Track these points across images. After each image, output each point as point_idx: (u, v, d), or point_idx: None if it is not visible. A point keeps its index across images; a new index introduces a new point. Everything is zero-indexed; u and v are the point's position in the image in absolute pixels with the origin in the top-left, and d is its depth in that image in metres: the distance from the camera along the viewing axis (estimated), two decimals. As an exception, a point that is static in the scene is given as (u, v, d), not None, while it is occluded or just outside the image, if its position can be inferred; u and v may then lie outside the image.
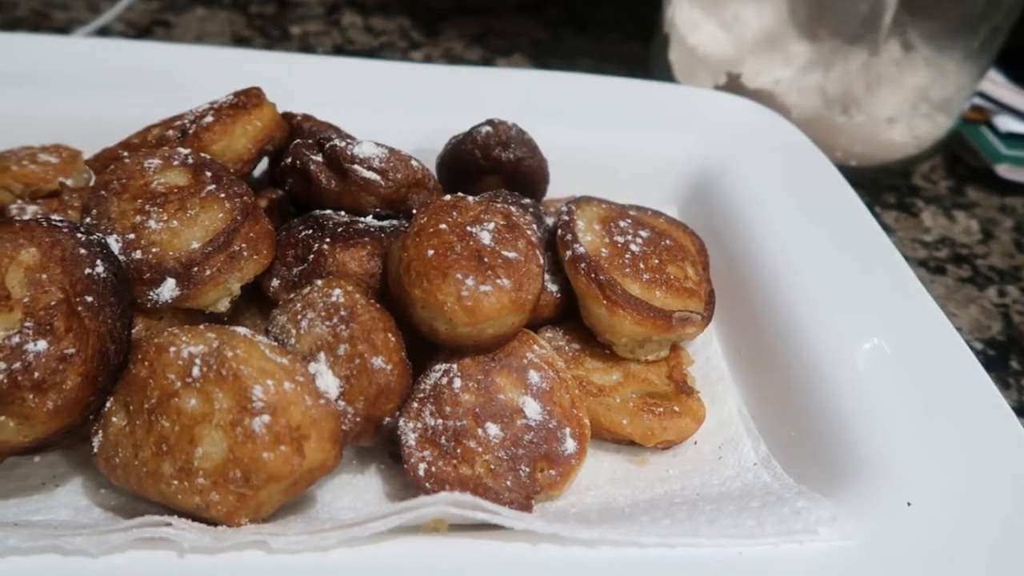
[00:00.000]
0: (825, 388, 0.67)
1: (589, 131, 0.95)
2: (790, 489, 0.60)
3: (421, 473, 0.59)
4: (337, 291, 0.60)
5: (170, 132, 0.75)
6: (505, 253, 0.63)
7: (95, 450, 0.55)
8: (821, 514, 0.54)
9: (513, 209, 0.68)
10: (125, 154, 0.75)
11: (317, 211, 0.73)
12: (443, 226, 0.64)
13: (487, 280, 0.60)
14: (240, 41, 1.32)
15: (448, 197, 0.68)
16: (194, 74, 0.96)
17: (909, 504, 0.56)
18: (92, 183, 0.80)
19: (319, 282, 0.62)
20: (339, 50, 1.34)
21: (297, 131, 0.81)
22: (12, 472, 0.60)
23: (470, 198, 0.68)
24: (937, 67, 1.18)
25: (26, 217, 0.73)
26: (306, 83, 0.94)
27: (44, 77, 0.94)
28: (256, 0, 1.44)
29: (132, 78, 0.95)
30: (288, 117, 0.82)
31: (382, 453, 0.65)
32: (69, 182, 0.78)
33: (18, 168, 0.75)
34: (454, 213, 0.66)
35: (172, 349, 0.55)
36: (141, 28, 1.32)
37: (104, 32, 1.28)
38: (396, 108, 0.95)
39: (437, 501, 0.52)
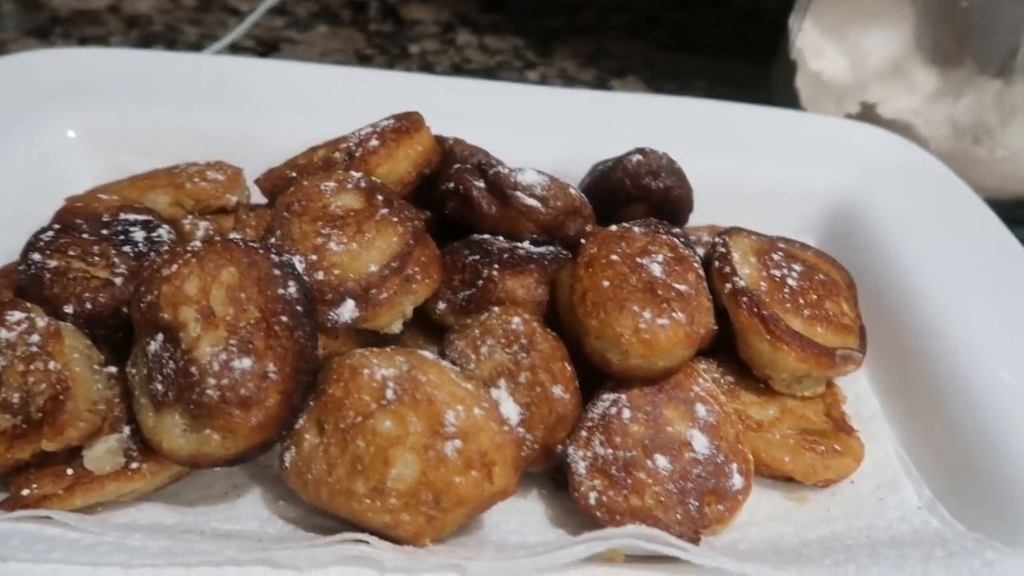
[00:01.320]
0: (991, 427, 0.66)
1: (724, 159, 0.94)
2: (967, 538, 0.59)
3: (592, 502, 0.60)
4: (516, 319, 0.61)
5: (336, 154, 0.77)
6: (677, 286, 0.64)
7: (286, 465, 0.58)
8: (1015, 566, 0.53)
9: (678, 241, 0.69)
10: (293, 174, 0.78)
11: (478, 236, 0.74)
12: (615, 257, 0.65)
13: (663, 313, 0.61)
14: (362, 59, 1.36)
15: (614, 228, 0.69)
16: (319, 93, 0.99)
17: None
18: (251, 200, 0.84)
19: (496, 309, 0.63)
20: (457, 69, 1.36)
21: (449, 155, 0.83)
22: (195, 481, 0.63)
23: (636, 228, 0.69)
24: (1075, 98, 1.15)
25: (199, 232, 0.76)
26: (448, 105, 0.96)
27: (190, 93, 0.98)
28: (375, 18, 1.47)
29: (271, 95, 0.98)
30: (440, 140, 0.83)
31: (543, 478, 0.66)
32: (234, 199, 0.81)
33: (191, 185, 0.79)
34: (623, 244, 0.66)
35: (366, 371, 0.57)
36: (268, 44, 1.36)
37: (234, 48, 1.33)
38: (530, 132, 0.96)
39: (624, 533, 0.53)
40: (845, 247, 0.88)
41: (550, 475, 0.65)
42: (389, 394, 0.55)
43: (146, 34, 1.35)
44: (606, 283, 0.62)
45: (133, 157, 0.90)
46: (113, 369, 0.62)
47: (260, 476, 0.63)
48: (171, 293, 0.58)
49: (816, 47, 1.23)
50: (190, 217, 0.78)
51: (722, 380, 0.71)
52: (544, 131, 0.97)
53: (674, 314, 0.61)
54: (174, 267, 0.59)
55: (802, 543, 0.60)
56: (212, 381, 0.54)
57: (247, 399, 0.54)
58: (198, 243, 0.60)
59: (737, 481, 0.62)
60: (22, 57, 0.95)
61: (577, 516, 0.63)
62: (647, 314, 0.61)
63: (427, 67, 1.36)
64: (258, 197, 0.83)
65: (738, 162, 0.95)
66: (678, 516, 0.60)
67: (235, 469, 0.64)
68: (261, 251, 0.61)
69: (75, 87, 0.91)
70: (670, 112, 1.00)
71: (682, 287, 0.64)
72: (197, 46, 1.33)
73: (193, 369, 0.55)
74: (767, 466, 0.66)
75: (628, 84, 1.38)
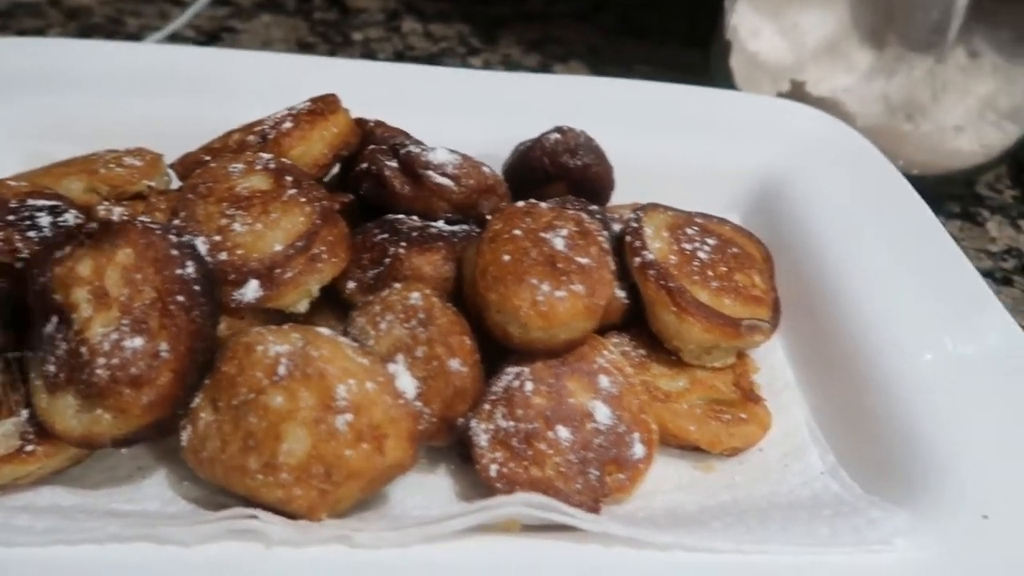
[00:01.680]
0: (894, 397, 0.67)
1: (651, 138, 0.95)
2: (861, 499, 0.60)
3: (493, 474, 0.60)
4: (415, 294, 0.62)
5: (251, 137, 0.77)
6: (578, 259, 0.64)
7: (183, 444, 0.58)
8: (897, 524, 0.54)
9: (584, 216, 0.69)
10: (208, 158, 0.78)
11: (390, 215, 0.75)
12: (517, 232, 0.65)
13: (561, 286, 0.62)
14: (304, 47, 1.35)
15: (521, 203, 0.69)
16: (265, 80, 0.99)
17: (985, 517, 0.56)
18: (173, 185, 0.83)
19: (397, 285, 0.64)
20: (400, 56, 1.36)
21: (370, 137, 0.83)
22: (100, 463, 0.62)
23: (543, 204, 0.69)
24: (1004, 75, 1.16)
25: (113, 218, 0.76)
26: (374, 89, 0.95)
27: (122, 82, 0.97)
28: (319, 6, 1.47)
29: (206, 83, 0.98)
30: (361, 123, 0.83)
31: (451, 453, 0.66)
32: (153, 184, 0.81)
33: (105, 171, 0.78)
34: (528, 219, 0.67)
35: (259, 348, 0.57)
36: (210, 34, 1.36)
37: (175, 38, 1.32)
38: (461, 114, 0.96)
39: (514, 502, 0.54)
40: (768, 223, 0.89)
41: (458, 450, 0.66)
42: (281, 370, 0.56)
43: (86, 26, 1.34)
44: (506, 257, 0.63)
45: (57, 145, 0.89)
46: (18, 354, 0.62)
47: (167, 457, 0.63)
48: (64, 275, 0.58)
49: (752, 27, 1.23)
50: (105, 203, 0.78)
51: (633, 353, 0.72)
52: (473, 113, 0.97)
53: (573, 286, 0.62)
54: (67, 248, 0.59)
55: (701, 510, 0.61)
56: (102, 361, 0.54)
57: (137, 378, 0.54)
58: (94, 225, 0.60)
59: (639, 450, 0.63)
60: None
61: (483, 490, 0.63)
62: (545, 287, 0.61)
63: (370, 54, 1.35)
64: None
65: (666, 141, 0.95)
66: (578, 486, 0.60)
67: (142, 451, 0.64)
68: (159, 232, 0.61)
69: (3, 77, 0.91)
70: (600, 93, 1.01)
71: (584, 260, 0.64)
72: (138, 37, 1.32)
73: (84, 350, 0.55)
74: (674, 436, 0.67)
75: (571, 69, 1.38)
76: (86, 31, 1.32)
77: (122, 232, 0.60)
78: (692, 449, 0.68)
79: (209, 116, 0.92)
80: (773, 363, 0.77)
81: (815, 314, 0.79)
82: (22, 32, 1.30)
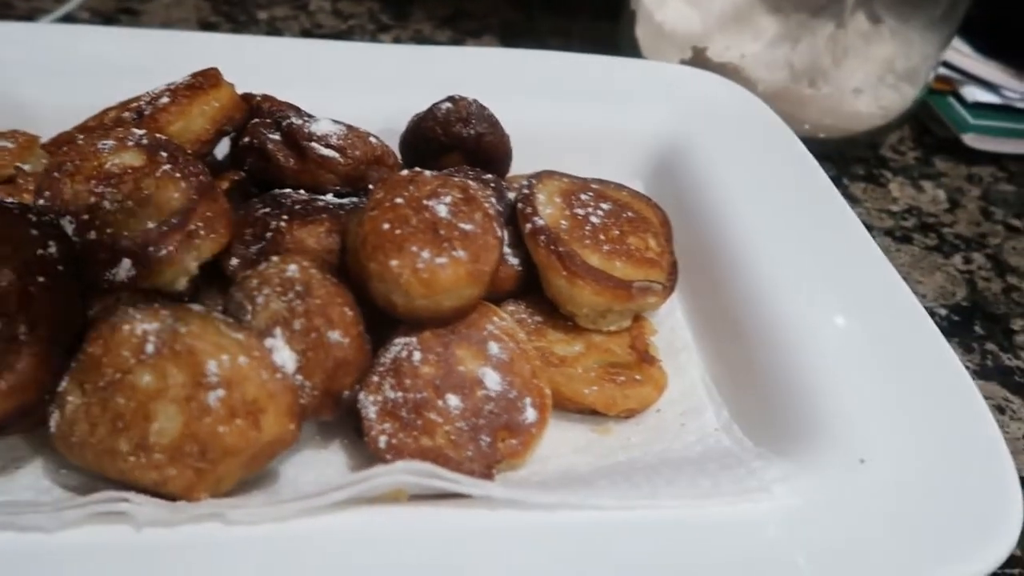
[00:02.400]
0: (783, 354, 0.68)
1: (554, 107, 0.95)
2: (748, 451, 0.61)
3: (382, 445, 0.59)
4: (292, 266, 0.60)
5: (126, 114, 0.74)
6: (462, 226, 0.63)
7: (52, 430, 0.55)
8: (775, 472, 0.55)
9: (471, 183, 0.68)
10: (81, 137, 0.74)
11: (276, 190, 0.73)
12: (399, 200, 0.64)
13: (443, 252, 0.61)
14: (207, 27, 1.31)
15: (405, 172, 0.68)
16: (159, 59, 0.95)
17: (862, 462, 0.57)
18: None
19: (275, 258, 0.62)
20: (307, 34, 1.33)
21: (257, 112, 0.81)
22: (-31, 458, 0.60)
23: (427, 173, 0.68)
24: (902, 38, 1.19)
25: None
26: (270, 65, 0.93)
27: (6, 63, 0.93)
28: (223, -14, 1.42)
29: (95, 64, 0.94)
30: (247, 98, 0.81)
31: (346, 428, 0.65)
32: (27, 167, 0.77)
33: (-25, 154, 0.74)
34: (411, 188, 0.66)
35: (126, 327, 0.55)
36: (106, 16, 1.30)
37: (69, 20, 1.27)
38: (361, 89, 0.94)
39: (394, 470, 0.53)
40: (668, 188, 0.90)
41: (352, 424, 0.65)
42: (149, 348, 0.54)
43: (-29, 7, 1.28)
44: (386, 225, 0.62)
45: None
46: None
47: (45, 447, 0.61)
48: (-87, 259, 0.55)
49: (659, -3, 1.24)
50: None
51: (529, 320, 0.72)
52: (375, 88, 0.95)
53: (455, 252, 0.61)
54: (-83, 232, 0.55)
55: (594, 471, 0.61)
56: (-46, 347, 0.52)
57: (-6, 363, 0.52)
58: (-53, 207, 0.57)
59: (531, 415, 0.62)
60: None
61: (376, 463, 0.62)
62: (425, 253, 0.60)
63: (275, 32, 1.32)
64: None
65: (569, 109, 0.95)
66: (469, 453, 0.60)
67: (17, 441, 0.61)
68: (16, 212, 0.58)
69: None
70: (503, 64, 1.00)
71: (467, 227, 0.63)
72: (30, 18, 1.26)
73: (-65, 336, 0.52)
74: (569, 400, 0.67)
75: (484, 44, 1.37)
76: (-28, 13, 1.26)
77: (-23, 213, 0.57)
78: (590, 413, 0.68)
79: (104, 99, 0.89)
80: (672, 325, 0.78)
81: (712, 276, 0.79)
82: (-99, 16, 1.23)
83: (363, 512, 0.52)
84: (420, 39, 1.36)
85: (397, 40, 1.35)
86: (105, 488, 0.56)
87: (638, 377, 0.68)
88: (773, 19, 1.31)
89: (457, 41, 1.37)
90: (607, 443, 0.66)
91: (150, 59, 0.95)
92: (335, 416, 0.61)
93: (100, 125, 0.75)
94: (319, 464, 0.62)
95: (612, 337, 0.72)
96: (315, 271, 0.61)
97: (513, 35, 1.40)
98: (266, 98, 0.82)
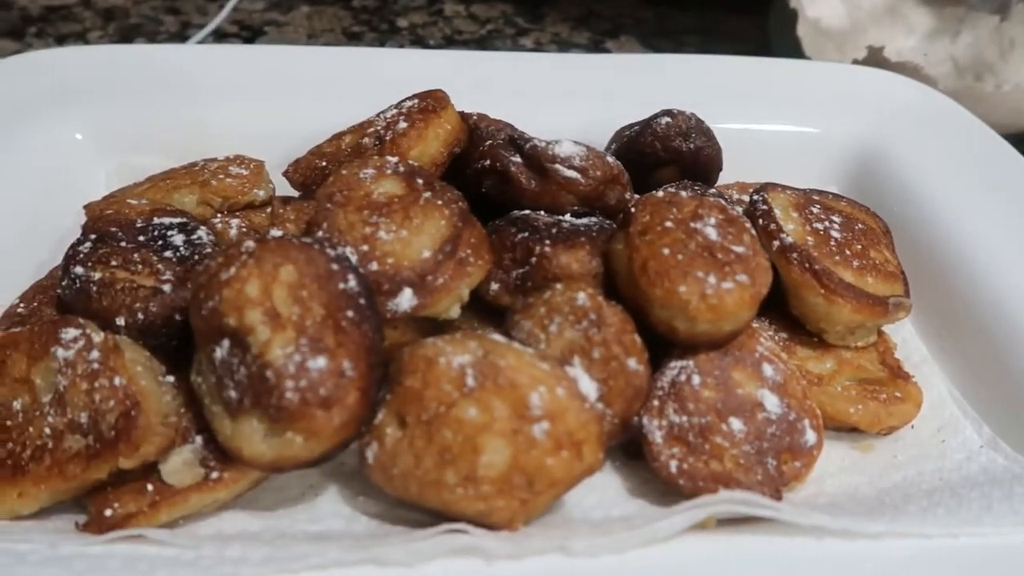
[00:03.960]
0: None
1: (742, 114, 0.94)
2: (1034, 472, 0.61)
3: (673, 470, 0.60)
4: (582, 295, 0.61)
5: (365, 140, 0.76)
6: (734, 248, 0.63)
7: (369, 461, 0.57)
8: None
9: (725, 203, 0.68)
10: (323, 163, 0.76)
11: (517, 212, 0.73)
12: (669, 224, 0.64)
13: (727, 277, 0.61)
14: (352, 37, 1.33)
15: (661, 193, 0.68)
16: (344, 75, 0.97)
17: None
18: (275, 193, 0.81)
19: (559, 286, 0.63)
20: (449, 40, 1.34)
21: (475, 131, 0.81)
22: (268, 485, 0.61)
23: (683, 193, 0.68)
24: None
25: (232, 231, 0.74)
26: (460, 79, 0.94)
27: (198, 86, 0.94)
28: (357, -7, 1.44)
29: (285, 82, 0.95)
30: (463, 117, 0.82)
31: (615, 451, 0.66)
32: (261, 193, 0.79)
33: (217, 183, 0.77)
34: (673, 210, 0.66)
35: (442, 360, 0.56)
36: (253, 28, 1.32)
37: (218, 35, 1.29)
38: (551, 101, 0.95)
39: (720, 500, 0.54)
40: (870, 194, 0.89)
41: (622, 447, 0.65)
42: (470, 381, 0.55)
43: (124, 27, 1.30)
44: (666, 251, 0.62)
45: (141, 156, 0.87)
46: (171, 378, 0.61)
47: (334, 474, 0.63)
48: (233, 297, 0.56)
49: (811, -6, 1.22)
50: (220, 216, 0.76)
51: (776, 338, 0.72)
52: (560, 99, 0.95)
53: (738, 277, 0.61)
54: (232, 270, 0.57)
55: (879, 491, 0.61)
56: (290, 384, 0.53)
57: (327, 399, 0.53)
58: (251, 243, 0.58)
59: (810, 437, 0.63)
60: (19, 60, 0.91)
61: (654, 485, 0.63)
62: (711, 279, 0.60)
63: (419, 40, 1.33)
64: (282, 189, 0.82)
65: (756, 116, 0.95)
66: (758, 477, 0.60)
67: (309, 469, 0.63)
68: (316, 246, 0.59)
69: (77, 88, 0.88)
70: (682, 71, 1.00)
71: (739, 249, 0.63)
72: (180, 36, 1.29)
73: (268, 373, 0.54)
74: (832, 419, 0.67)
75: (623, 44, 1.36)
76: (127, 32, 1.29)
77: (280, 249, 0.58)
78: (847, 431, 0.68)
79: (296, 115, 0.91)
80: (904, 337, 0.77)
81: (938, 284, 0.79)
82: (62, 38, 1.26)
83: (694, 541, 0.53)
84: (559, 42, 1.36)
85: (538, 43, 1.35)
86: (407, 516, 0.58)
87: (898, 394, 0.68)
88: (926, 12, 1.29)
89: (597, 42, 1.37)
90: (873, 461, 0.66)
91: (314, 76, 0.97)
92: (622, 441, 0.62)
93: (338, 150, 0.76)
94: (597, 487, 0.63)
95: (860, 353, 0.71)
96: (602, 299, 0.61)
97: (650, 34, 1.39)
98: (481, 117, 0.83)
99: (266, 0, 1.39)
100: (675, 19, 1.45)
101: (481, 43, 1.33)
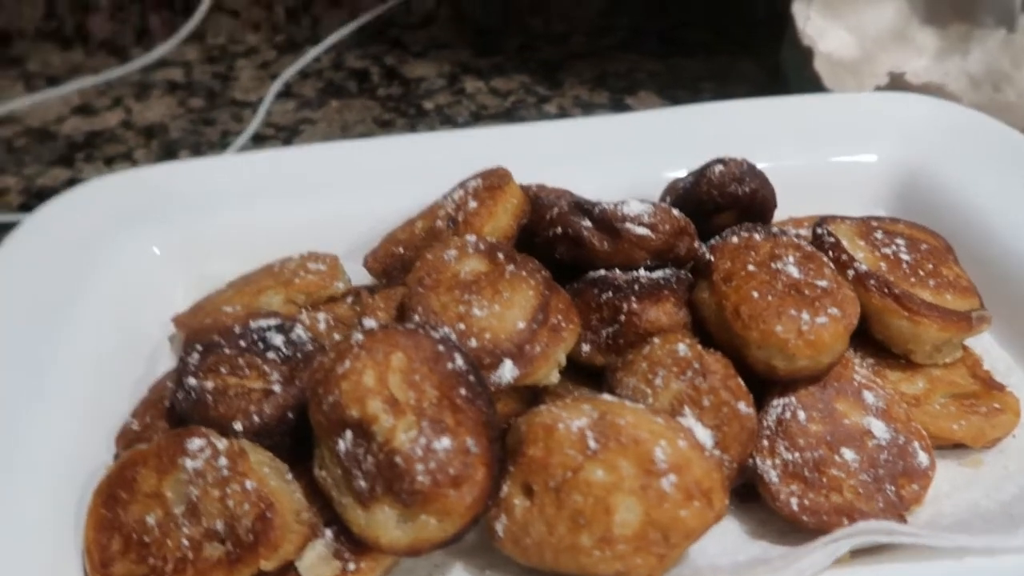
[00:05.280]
0: None
1: (784, 153, 0.97)
2: None
3: (795, 508, 0.60)
4: (682, 346, 0.63)
5: (438, 223, 0.78)
6: (818, 283, 0.65)
7: (499, 534, 0.58)
8: None
9: (797, 240, 0.70)
10: (400, 249, 0.79)
11: (593, 273, 0.76)
12: (751, 267, 0.66)
13: (819, 312, 0.63)
14: (384, 124, 1.37)
15: (736, 239, 0.71)
16: (388, 165, 1.00)
17: None
18: (351, 283, 0.84)
19: (656, 340, 0.64)
20: (476, 116, 1.38)
21: (536, 201, 0.84)
22: (398, 569, 0.62)
23: (755, 235, 0.70)
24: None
25: (320, 325, 0.77)
26: (506, 153, 0.97)
27: (256, 192, 0.98)
28: (380, 83, 1.49)
29: (334, 178, 0.99)
30: (524, 189, 0.85)
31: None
32: (340, 286, 0.82)
33: (299, 280, 0.79)
34: (752, 253, 0.68)
35: (561, 426, 0.58)
36: (289, 128, 1.37)
37: (257, 138, 1.34)
38: (594, 164, 0.98)
39: (858, 531, 0.54)
40: (924, 215, 0.91)
41: (733, 492, 0.66)
42: (592, 443, 0.56)
43: (167, 142, 1.35)
44: (755, 294, 0.64)
45: (216, 264, 0.90)
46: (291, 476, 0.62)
47: (456, 552, 0.63)
48: (351, 390, 0.58)
49: (819, 29, 1.26)
50: (304, 312, 0.79)
51: (863, 364, 0.73)
52: (603, 160, 0.98)
53: (829, 310, 0.63)
54: (347, 363, 0.59)
55: (1001, 505, 0.62)
56: (420, 467, 0.55)
57: (457, 478, 0.55)
58: (360, 336, 0.61)
59: (923, 458, 0.63)
60: (86, 188, 0.95)
61: (771, 526, 0.64)
62: (805, 315, 0.62)
63: (447, 120, 1.37)
64: (357, 279, 0.85)
65: (797, 153, 0.97)
66: (880, 505, 0.61)
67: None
68: (421, 331, 0.61)
69: (148, 206, 0.92)
70: (716, 118, 1.03)
71: (823, 283, 0.65)
72: (221, 144, 1.33)
73: (398, 459, 0.55)
74: (935, 437, 0.67)
75: (643, 99, 1.41)
76: (170, 146, 1.34)
77: (387, 338, 0.61)
78: (951, 447, 0.69)
79: (355, 207, 0.94)
80: (986, 347, 0.78)
81: (1007, 292, 0.80)
82: (110, 160, 1.31)
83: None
84: (581, 104, 1.40)
85: (561, 108, 1.39)
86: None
87: (997, 405, 0.69)
88: (932, 32, 1.33)
89: (616, 100, 1.41)
90: (985, 475, 0.67)
91: (364, 168, 1.00)
92: (736, 485, 0.63)
93: (412, 236, 0.79)
94: (716, 535, 0.62)
95: (950, 369, 0.72)
96: (700, 348, 0.63)
97: (664, 86, 1.44)
98: (540, 187, 0.86)
99: (296, 100, 1.45)
100: (687, 68, 1.49)
101: (508, 115, 1.38)
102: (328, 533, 0.59)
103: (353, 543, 0.58)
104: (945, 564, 0.53)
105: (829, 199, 0.92)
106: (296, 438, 0.64)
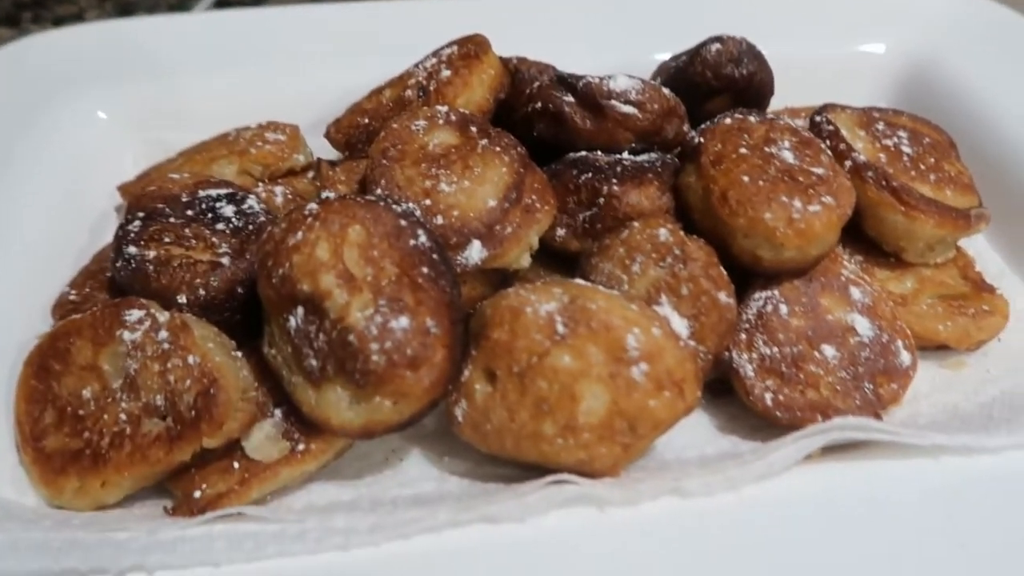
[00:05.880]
0: None
1: (786, 37, 0.90)
2: None
3: (769, 403, 0.58)
4: (663, 231, 0.58)
5: (407, 92, 0.72)
6: (814, 170, 0.61)
7: (459, 420, 0.55)
8: None
9: (793, 124, 0.65)
10: (365, 120, 0.73)
11: (573, 154, 0.70)
12: (743, 150, 0.61)
13: (812, 200, 0.58)
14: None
15: (728, 120, 0.65)
16: (362, 31, 0.93)
17: None
18: (314, 156, 0.78)
19: (636, 224, 0.60)
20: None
21: (516, 75, 0.78)
22: (351, 454, 0.59)
23: (751, 118, 0.65)
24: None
25: (278, 199, 0.72)
26: (488, 23, 0.90)
27: (216, 56, 0.90)
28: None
29: (295, 45, 0.92)
30: (504, 61, 0.78)
31: (698, 389, 0.64)
32: (300, 158, 0.76)
33: (255, 151, 0.74)
34: (744, 136, 0.63)
35: (528, 309, 0.54)
36: (256, -7, 1.28)
37: (221, 3, 1.25)
38: (582, 39, 0.91)
39: (832, 427, 0.52)
40: (927, 110, 0.85)
41: (705, 385, 0.63)
42: (560, 328, 0.52)
43: (122, 3, 1.25)
44: (745, 178, 0.59)
45: (168, 131, 0.84)
46: (240, 353, 0.58)
47: (415, 436, 0.60)
48: (303, 262, 0.54)
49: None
50: (261, 185, 0.73)
51: (851, 261, 0.69)
52: (592, 36, 0.92)
53: (823, 199, 0.58)
54: (299, 235, 0.54)
55: (979, 407, 0.59)
56: (375, 346, 0.51)
57: (415, 359, 0.51)
58: (314, 206, 0.56)
59: (905, 358, 0.61)
60: (24, 44, 0.87)
61: (742, 421, 0.61)
62: (797, 203, 0.58)
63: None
64: (320, 151, 0.79)
65: (800, 38, 0.91)
66: (857, 402, 0.58)
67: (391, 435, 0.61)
68: (381, 204, 0.56)
69: (91, 68, 0.84)
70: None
71: (819, 170, 0.61)
72: (181, 8, 1.24)
73: (351, 338, 0.51)
74: (920, 338, 0.65)
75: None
76: (125, 8, 1.24)
77: (344, 209, 0.56)
78: (935, 349, 0.66)
79: (321, 76, 0.88)
80: (979, 250, 0.75)
81: (1008, 193, 0.76)
82: (59, 20, 1.21)
83: (810, 472, 0.51)
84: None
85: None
86: (495, 472, 0.56)
87: (985, 307, 0.66)
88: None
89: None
90: (967, 378, 0.64)
91: (344, 32, 0.93)
92: (712, 378, 0.60)
93: (379, 105, 0.73)
94: (685, 428, 0.60)
95: (940, 269, 0.69)
96: (683, 233, 0.59)
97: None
98: (522, 60, 0.79)
99: (264, -36, 1.34)
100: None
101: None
102: (277, 413, 0.56)
103: (304, 424, 0.55)
104: (920, 462, 0.51)
105: (830, 90, 0.86)
106: (245, 314, 0.60)
